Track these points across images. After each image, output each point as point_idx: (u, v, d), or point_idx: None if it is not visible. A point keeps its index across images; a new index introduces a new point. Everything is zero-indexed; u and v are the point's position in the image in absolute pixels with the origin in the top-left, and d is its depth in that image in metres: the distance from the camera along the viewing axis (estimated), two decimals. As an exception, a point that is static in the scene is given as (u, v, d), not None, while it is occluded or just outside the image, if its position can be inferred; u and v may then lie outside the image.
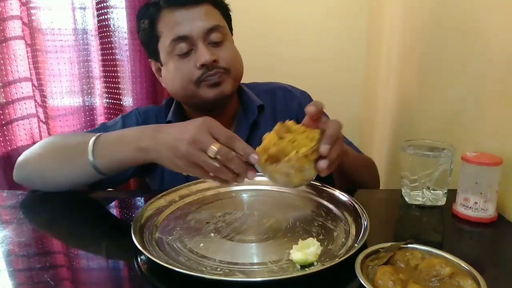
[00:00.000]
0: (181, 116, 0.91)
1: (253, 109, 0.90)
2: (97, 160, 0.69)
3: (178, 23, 0.80)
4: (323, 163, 0.58)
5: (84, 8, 1.25)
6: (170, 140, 0.60)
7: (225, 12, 0.88)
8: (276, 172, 0.58)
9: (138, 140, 0.65)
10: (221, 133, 0.58)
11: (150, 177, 0.96)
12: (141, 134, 0.66)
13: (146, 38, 0.87)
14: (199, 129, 0.58)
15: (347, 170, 0.77)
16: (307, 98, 0.98)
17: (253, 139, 0.90)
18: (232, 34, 0.90)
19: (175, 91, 0.86)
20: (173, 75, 0.83)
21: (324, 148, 0.57)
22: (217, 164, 0.56)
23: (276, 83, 1.00)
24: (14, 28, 1.20)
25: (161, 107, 0.96)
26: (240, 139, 0.58)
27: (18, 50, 1.22)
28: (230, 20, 0.90)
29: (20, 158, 0.79)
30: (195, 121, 0.60)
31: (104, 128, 0.91)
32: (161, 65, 0.87)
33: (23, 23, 1.21)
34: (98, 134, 0.71)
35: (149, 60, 0.91)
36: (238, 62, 0.87)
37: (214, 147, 0.56)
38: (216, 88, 0.82)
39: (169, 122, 0.89)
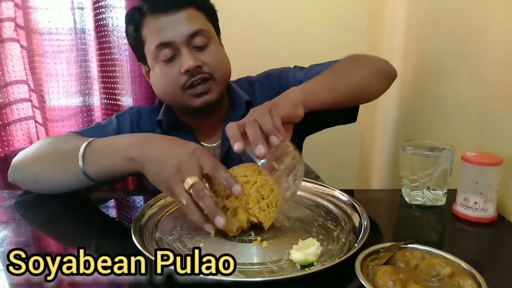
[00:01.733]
0: (171, 115, 0.91)
1: (241, 104, 0.91)
2: (87, 167, 0.67)
3: (161, 29, 0.80)
4: (272, 139, 0.55)
5: (82, 8, 1.25)
6: (157, 159, 0.58)
7: (210, 14, 0.87)
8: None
9: (127, 149, 0.63)
10: (207, 163, 0.55)
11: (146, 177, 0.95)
12: (131, 143, 0.64)
13: (133, 42, 0.87)
14: (188, 158, 0.55)
15: (331, 95, 0.73)
16: (287, 69, 0.96)
17: None
18: (219, 35, 0.90)
19: (162, 95, 0.87)
20: (159, 80, 0.84)
21: (257, 149, 0.54)
22: (184, 201, 0.54)
23: (254, 76, 0.99)
24: (11, 27, 1.20)
25: (154, 106, 0.96)
26: (226, 170, 0.55)
27: (14, 49, 1.21)
28: (217, 21, 0.89)
29: (15, 160, 0.78)
30: (187, 146, 0.58)
31: (98, 127, 0.91)
32: (149, 68, 0.87)
33: (17, 25, 1.20)
34: (90, 139, 0.69)
35: (139, 63, 0.92)
36: (223, 65, 0.86)
37: (190, 180, 0.53)
38: (202, 98, 0.82)
39: (159, 121, 0.89)
